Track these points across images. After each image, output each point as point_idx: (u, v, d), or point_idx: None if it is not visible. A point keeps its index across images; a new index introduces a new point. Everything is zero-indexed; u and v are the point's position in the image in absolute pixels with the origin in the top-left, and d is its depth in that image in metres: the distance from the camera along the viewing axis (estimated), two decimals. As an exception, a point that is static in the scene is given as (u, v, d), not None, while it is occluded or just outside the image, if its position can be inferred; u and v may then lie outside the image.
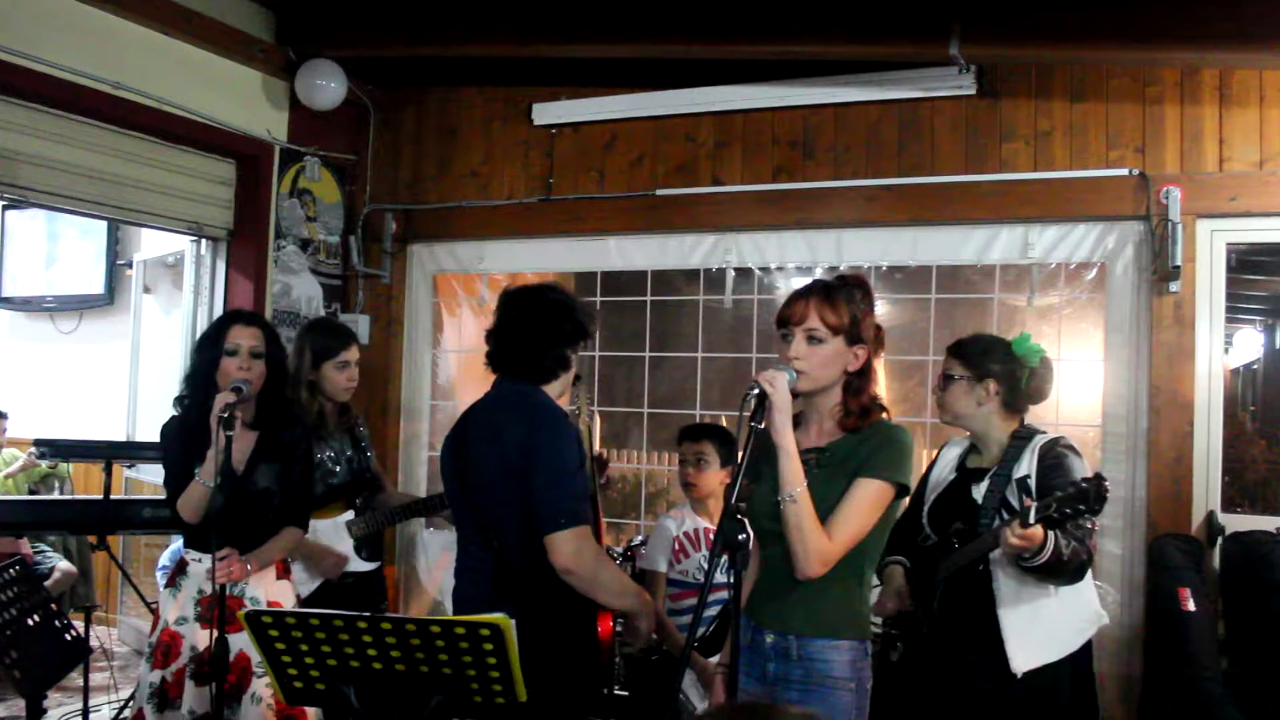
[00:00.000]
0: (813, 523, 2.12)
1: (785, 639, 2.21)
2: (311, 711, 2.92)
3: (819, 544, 2.12)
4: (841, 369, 2.22)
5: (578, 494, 2.47)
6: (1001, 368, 2.75)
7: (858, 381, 2.23)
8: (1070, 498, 2.28)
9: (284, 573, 3.08)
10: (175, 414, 3.04)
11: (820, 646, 2.18)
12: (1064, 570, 2.48)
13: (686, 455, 3.58)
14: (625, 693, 3.26)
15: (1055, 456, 2.63)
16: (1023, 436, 2.72)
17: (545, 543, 2.43)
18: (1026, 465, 2.65)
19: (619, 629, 2.81)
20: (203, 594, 2.90)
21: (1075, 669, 2.68)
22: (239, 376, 2.88)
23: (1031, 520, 2.32)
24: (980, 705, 2.65)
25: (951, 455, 2.91)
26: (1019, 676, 2.58)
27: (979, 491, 2.72)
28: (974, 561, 2.65)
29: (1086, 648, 2.72)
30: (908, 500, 2.69)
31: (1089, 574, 2.69)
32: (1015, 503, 2.62)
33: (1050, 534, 2.39)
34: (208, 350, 2.98)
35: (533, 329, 2.57)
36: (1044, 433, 2.74)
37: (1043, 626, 2.61)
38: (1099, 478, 2.29)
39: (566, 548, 2.41)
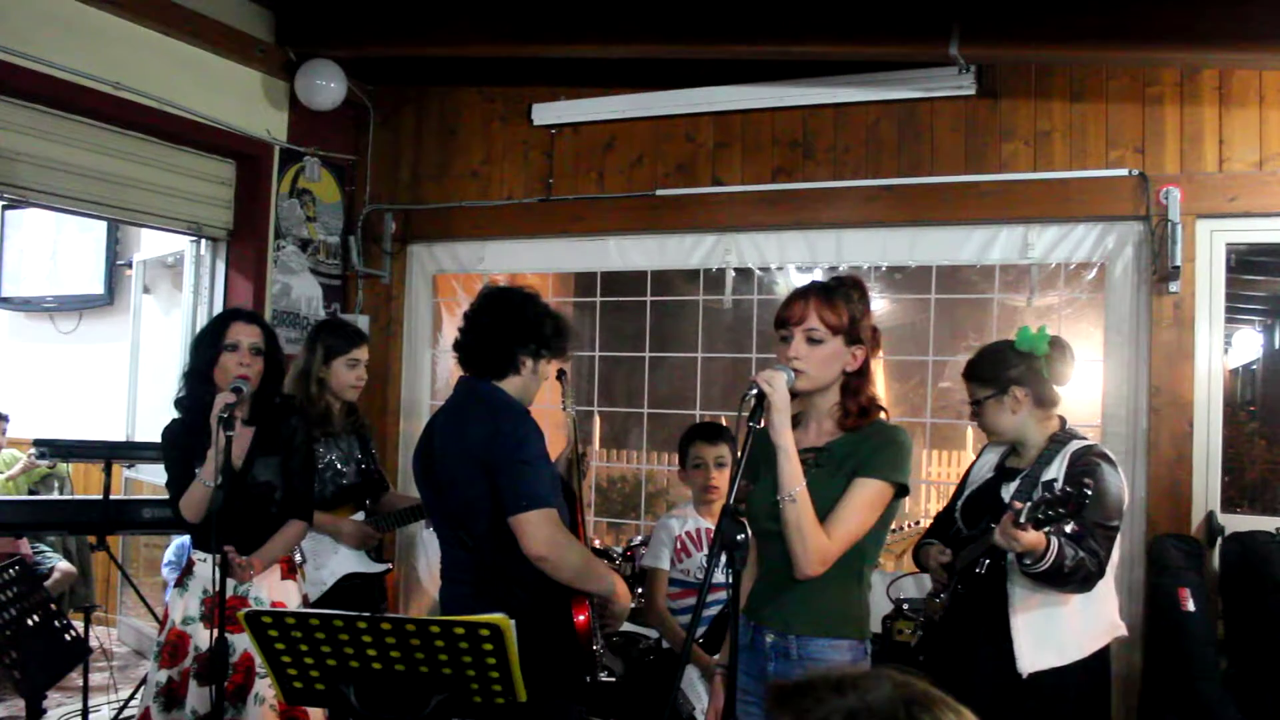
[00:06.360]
0: (812, 522, 2.13)
1: (785, 639, 2.22)
2: (315, 712, 2.92)
3: (818, 543, 2.13)
4: (840, 369, 2.24)
5: (541, 479, 2.49)
6: (1019, 371, 2.71)
7: (856, 381, 2.24)
8: (1053, 500, 2.28)
9: (289, 572, 3.06)
10: (175, 417, 3.03)
11: (820, 646, 2.19)
12: (1067, 580, 2.46)
13: (705, 459, 3.46)
14: (611, 679, 3.27)
15: (1086, 464, 2.59)
16: (1060, 440, 2.69)
17: (512, 526, 2.43)
18: (1056, 469, 2.63)
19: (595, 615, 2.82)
20: (208, 594, 2.90)
21: (1086, 676, 2.64)
22: (239, 373, 2.88)
23: (1022, 520, 2.31)
24: (985, 702, 2.64)
25: (992, 456, 2.90)
26: (1024, 677, 2.58)
27: (1008, 491, 2.71)
28: (987, 558, 2.64)
29: (1101, 657, 2.69)
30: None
31: (1111, 585, 2.67)
32: None
33: (1053, 541, 2.37)
34: (207, 347, 2.96)
35: (480, 321, 2.64)
36: (1083, 438, 2.70)
37: (1054, 630, 2.60)
38: (1081, 482, 2.28)
39: (533, 530, 2.42)
